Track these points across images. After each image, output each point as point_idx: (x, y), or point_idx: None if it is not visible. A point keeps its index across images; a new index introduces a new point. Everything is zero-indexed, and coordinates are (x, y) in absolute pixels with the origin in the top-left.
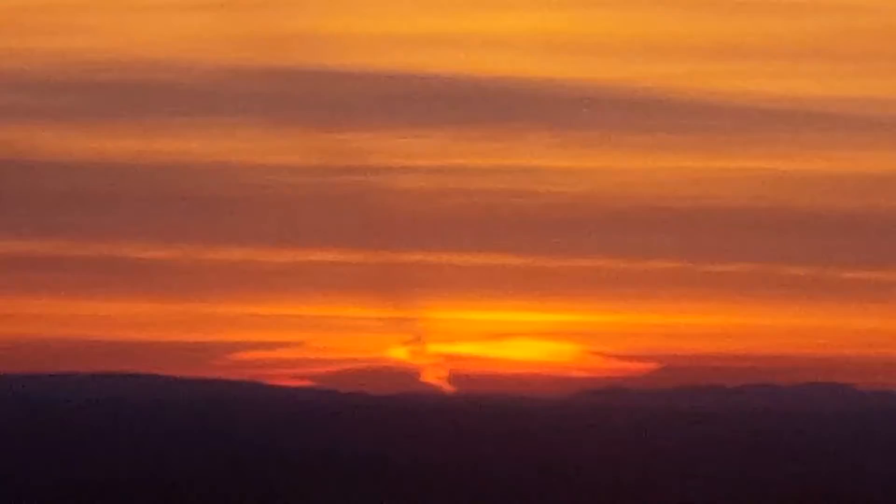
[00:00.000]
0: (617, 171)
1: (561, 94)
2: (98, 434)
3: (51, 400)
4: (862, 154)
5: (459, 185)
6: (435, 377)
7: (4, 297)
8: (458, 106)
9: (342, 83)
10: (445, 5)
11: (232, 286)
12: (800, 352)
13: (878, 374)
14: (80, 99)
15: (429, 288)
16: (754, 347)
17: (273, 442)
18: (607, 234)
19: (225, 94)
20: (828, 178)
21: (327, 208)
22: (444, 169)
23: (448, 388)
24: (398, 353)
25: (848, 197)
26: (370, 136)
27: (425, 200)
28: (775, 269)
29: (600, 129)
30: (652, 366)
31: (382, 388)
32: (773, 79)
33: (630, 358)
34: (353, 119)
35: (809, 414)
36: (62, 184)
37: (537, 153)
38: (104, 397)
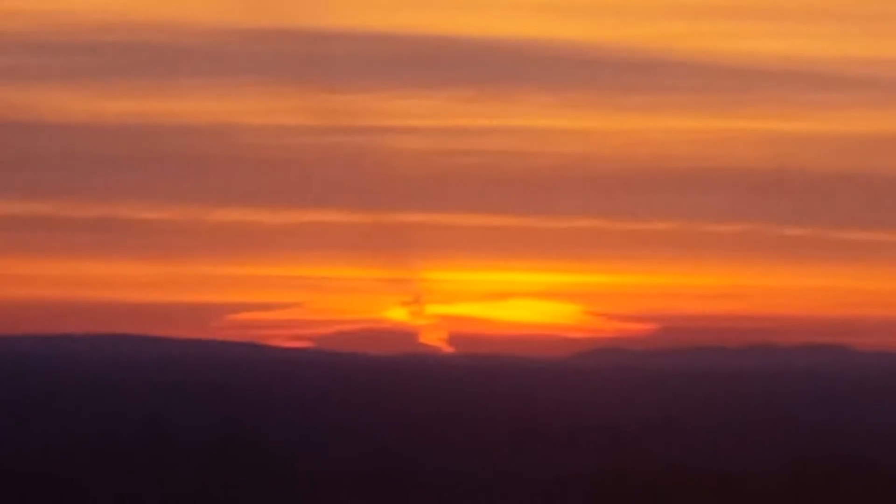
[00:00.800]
0: (616, 132)
1: (561, 54)
2: (97, 394)
3: (49, 360)
4: (862, 114)
5: (459, 146)
6: (434, 338)
7: (4, 258)
8: (457, 67)
9: (342, 44)
10: None
11: (230, 247)
12: (799, 312)
13: (877, 334)
14: (79, 60)
15: (427, 248)
16: (753, 308)
17: (271, 402)
18: (606, 194)
19: (225, 56)
20: (827, 139)
21: (326, 169)
22: (443, 129)
23: (447, 348)
24: (397, 314)
25: (848, 157)
26: (370, 97)
27: (424, 161)
28: (775, 229)
29: (599, 90)
30: (651, 326)
31: (381, 349)
32: (773, 39)
33: (629, 318)
34: (353, 80)
35: (808, 374)
36: (62, 145)
37: (536, 114)
38: (103, 358)
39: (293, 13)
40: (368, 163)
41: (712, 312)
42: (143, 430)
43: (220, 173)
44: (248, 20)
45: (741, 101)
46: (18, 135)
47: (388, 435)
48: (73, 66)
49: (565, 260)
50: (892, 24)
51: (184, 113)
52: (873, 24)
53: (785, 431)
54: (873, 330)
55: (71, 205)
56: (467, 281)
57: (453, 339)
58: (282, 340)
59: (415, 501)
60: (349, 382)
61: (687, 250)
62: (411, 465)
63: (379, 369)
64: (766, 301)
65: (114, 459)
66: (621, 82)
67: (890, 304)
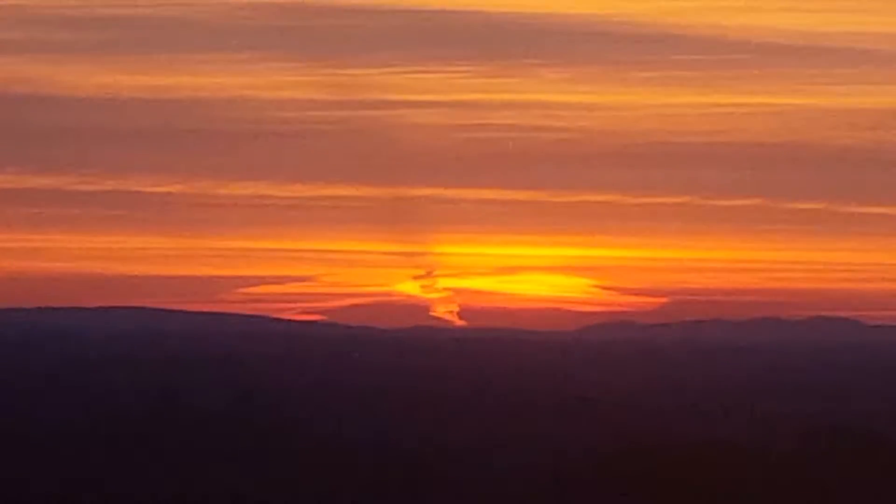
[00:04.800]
0: (627, 107)
1: (573, 29)
2: (111, 366)
3: (62, 332)
4: (872, 89)
5: (470, 121)
6: (445, 311)
7: (20, 231)
8: (470, 42)
9: (355, 19)
10: None
11: (243, 221)
12: (806, 286)
13: (885, 307)
14: (93, 35)
15: (439, 223)
16: (762, 281)
17: (283, 375)
18: (616, 169)
19: (238, 29)
20: (836, 114)
21: (339, 143)
22: (454, 104)
23: (458, 321)
24: (408, 288)
25: (857, 132)
26: (382, 72)
27: (436, 136)
28: (783, 203)
29: (610, 65)
30: (660, 300)
31: (393, 322)
32: (784, 14)
33: (639, 292)
34: (366, 54)
35: (817, 346)
36: (75, 119)
37: (548, 89)
38: (116, 330)
39: None
40: (380, 137)
41: (721, 286)
42: (156, 402)
43: (233, 148)
44: None
45: (751, 76)
46: (32, 109)
47: (399, 408)
48: (87, 40)
49: (575, 234)
50: None
51: (197, 87)
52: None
53: (794, 404)
54: (882, 303)
55: (84, 179)
56: (478, 255)
57: (464, 313)
58: (294, 313)
59: (424, 472)
60: (361, 355)
61: (696, 224)
62: (421, 437)
63: (390, 342)
64: (776, 275)
65: (128, 431)
66: (632, 57)
67: None
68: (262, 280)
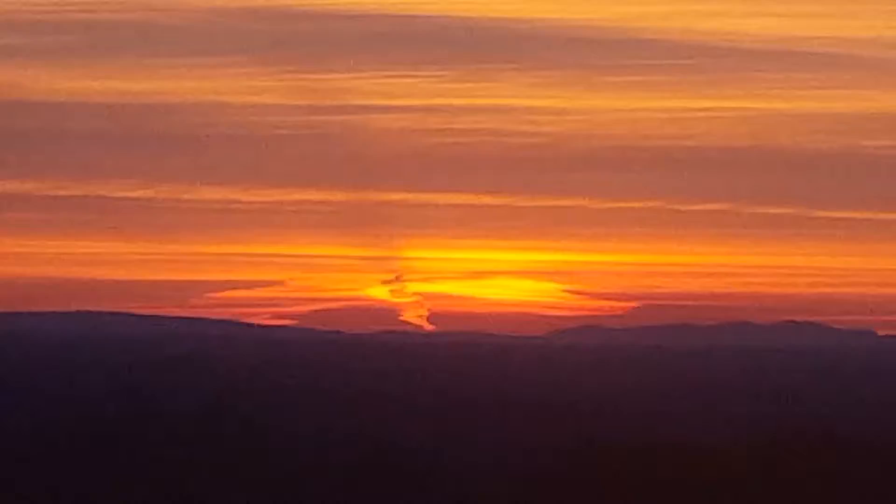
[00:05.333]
0: (595, 111)
1: (541, 34)
2: (79, 371)
3: (31, 337)
4: (840, 94)
5: (439, 125)
6: (415, 316)
7: None
8: (438, 46)
9: (325, 23)
10: None
11: (213, 225)
12: (776, 290)
13: (854, 312)
14: (63, 39)
15: (408, 227)
16: (730, 286)
17: (253, 380)
18: (585, 173)
19: (208, 35)
20: (804, 118)
21: (309, 147)
22: (423, 108)
23: (428, 326)
24: (378, 292)
25: (825, 136)
26: (351, 76)
27: (405, 140)
28: (752, 208)
29: (578, 70)
30: (629, 304)
31: (362, 327)
32: (751, 18)
33: (608, 296)
34: (334, 59)
35: (786, 351)
36: (45, 123)
37: (516, 93)
38: (83, 335)
39: None
40: (350, 142)
41: (690, 290)
42: (125, 408)
43: (202, 152)
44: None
45: (719, 80)
46: (2, 114)
47: (369, 413)
48: (57, 44)
49: (544, 238)
50: (870, 3)
51: (167, 92)
52: (851, 4)
53: (761, 408)
54: (852, 308)
55: (54, 183)
56: (447, 259)
57: (434, 317)
58: (264, 318)
59: (395, 478)
60: (330, 360)
61: (665, 229)
62: (392, 443)
63: (360, 347)
64: (744, 279)
65: (96, 437)
66: (601, 62)
67: (865, 282)
68: (231, 285)
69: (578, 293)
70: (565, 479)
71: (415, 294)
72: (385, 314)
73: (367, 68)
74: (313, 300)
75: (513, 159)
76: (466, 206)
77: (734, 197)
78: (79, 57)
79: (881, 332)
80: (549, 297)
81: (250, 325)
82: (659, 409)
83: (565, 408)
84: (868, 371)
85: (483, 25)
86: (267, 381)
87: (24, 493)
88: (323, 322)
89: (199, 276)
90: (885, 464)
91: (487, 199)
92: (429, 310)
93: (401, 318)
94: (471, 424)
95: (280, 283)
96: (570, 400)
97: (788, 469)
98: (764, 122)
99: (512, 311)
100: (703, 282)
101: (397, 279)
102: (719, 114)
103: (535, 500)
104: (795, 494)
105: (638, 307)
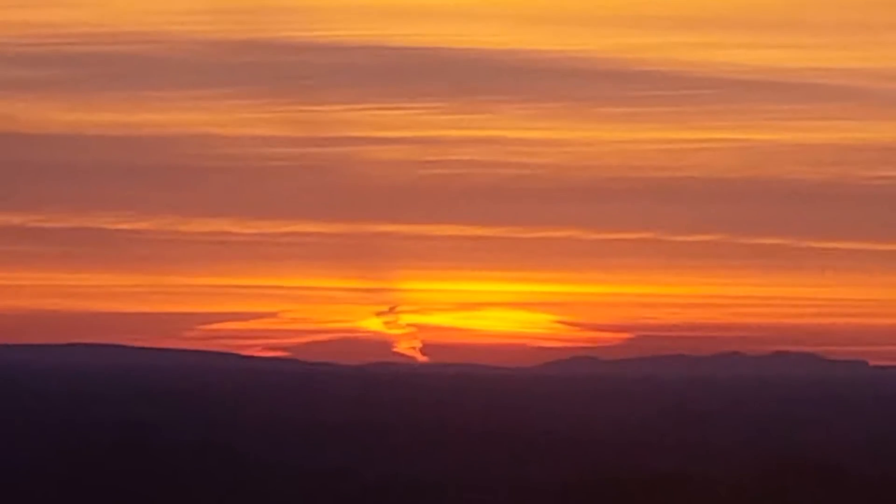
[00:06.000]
0: (588, 143)
1: (534, 66)
2: (72, 403)
3: (24, 370)
4: (832, 124)
5: (433, 157)
6: (408, 347)
7: None
8: (432, 78)
9: (318, 56)
10: None
11: (206, 258)
12: (768, 321)
13: (846, 342)
14: (58, 72)
15: (402, 259)
16: (724, 317)
17: (246, 411)
18: (578, 204)
19: (202, 67)
20: (797, 149)
21: (301, 180)
22: (417, 140)
23: (421, 358)
24: (371, 324)
25: (817, 167)
26: (345, 108)
27: (399, 172)
28: (745, 238)
29: (572, 101)
30: (623, 335)
31: (355, 359)
32: (744, 50)
33: (601, 327)
34: (329, 91)
35: (778, 382)
36: (38, 156)
37: (510, 125)
38: (78, 367)
39: (270, 26)
40: (344, 174)
41: (683, 321)
42: (119, 439)
43: (196, 184)
44: (225, 32)
45: (713, 111)
46: None
47: (362, 444)
48: (53, 77)
49: (538, 270)
50: (862, 35)
51: (161, 124)
52: (845, 36)
53: (755, 439)
54: (843, 338)
55: (48, 215)
56: (441, 291)
57: (427, 349)
58: (257, 350)
59: None
60: (324, 392)
61: (658, 260)
62: (385, 472)
63: (353, 379)
64: (737, 310)
65: (90, 468)
66: (594, 93)
67: (858, 312)
68: (225, 316)
69: (571, 324)
70: None
71: (408, 325)
72: (378, 346)
73: (362, 100)
74: (307, 332)
75: (507, 191)
76: (460, 237)
77: (727, 228)
78: (74, 89)
79: (873, 363)
80: (541, 328)
81: (244, 357)
82: (652, 440)
83: (559, 439)
84: (860, 401)
85: (476, 57)
86: (260, 412)
87: None
88: (316, 354)
89: (193, 307)
90: (877, 494)
91: (481, 231)
92: (422, 341)
93: (394, 349)
94: (464, 456)
95: (274, 314)
96: (563, 431)
97: (781, 500)
98: (757, 153)
99: (505, 342)
100: (696, 312)
101: (391, 311)
102: (713, 145)
103: None
104: None
105: (631, 338)
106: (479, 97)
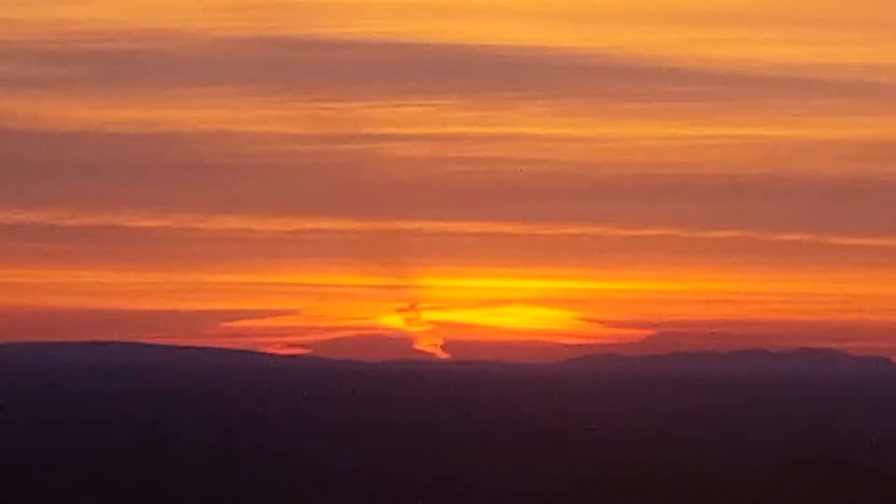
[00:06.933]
0: (610, 139)
1: (556, 62)
2: (93, 402)
3: (46, 368)
4: (854, 120)
5: (453, 153)
6: (429, 344)
7: (2, 266)
8: (453, 74)
9: (339, 52)
10: None
11: (227, 255)
12: (792, 317)
13: (870, 339)
14: (76, 69)
15: (423, 255)
16: (746, 313)
17: (267, 409)
18: (600, 201)
19: (221, 64)
20: (820, 145)
21: (323, 176)
22: (438, 137)
23: (442, 355)
24: (393, 321)
25: (840, 163)
26: (366, 105)
27: (420, 168)
28: (767, 235)
29: (594, 98)
30: (645, 332)
31: (377, 356)
32: (765, 45)
33: (623, 324)
34: (348, 88)
35: (801, 379)
36: (60, 153)
37: (532, 121)
38: (101, 365)
39: (290, 22)
40: (364, 170)
41: (705, 318)
42: (139, 438)
43: (216, 181)
44: (244, 28)
45: (734, 107)
46: (15, 143)
47: (384, 442)
48: (71, 75)
49: (559, 267)
50: (881, 30)
51: (180, 121)
52: (867, 32)
53: (777, 436)
54: (868, 335)
55: (68, 213)
56: (462, 287)
57: (448, 346)
58: (278, 347)
59: None
60: (345, 389)
61: (680, 256)
62: (407, 472)
63: (375, 376)
64: (759, 306)
65: (110, 467)
66: (616, 90)
67: (881, 308)
68: (245, 314)
69: (593, 321)
70: None
71: (429, 322)
72: (399, 343)
73: (381, 96)
74: (327, 329)
75: (527, 187)
76: (481, 234)
77: (749, 224)
78: (93, 87)
79: None
80: (563, 325)
81: (264, 355)
82: (674, 437)
83: (580, 437)
84: (882, 398)
85: (498, 53)
86: (281, 410)
87: None
88: (338, 351)
89: (213, 305)
90: None
91: (502, 228)
92: (444, 338)
93: (415, 346)
94: (486, 453)
95: (294, 312)
96: (585, 429)
97: (803, 498)
98: (778, 149)
99: (526, 339)
100: (718, 309)
101: (412, 307)
102: (735, 141)
103: None
104: None
105: (653, 335)
106: (500, 94)
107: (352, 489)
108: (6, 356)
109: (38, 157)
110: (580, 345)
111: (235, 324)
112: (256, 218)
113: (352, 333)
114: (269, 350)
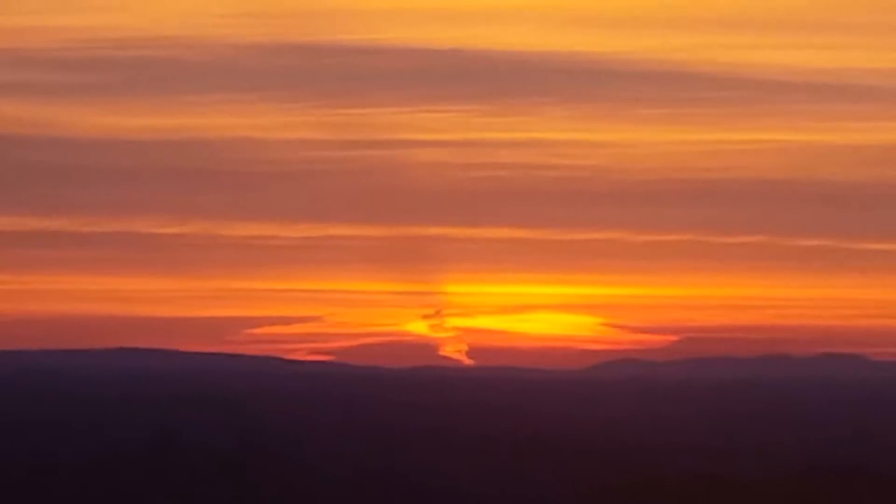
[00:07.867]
0: (632, 144)
1: (577, 68)
2: (116, 408)
3: (68, 374)
4: (874, 125)
5: (477, 160)
6: (454, 351)
7: (22, 273)
8: (475, 80)
9: (361, 58)
10: None
11: (249, 262)
12: (814, 322)
13: (893, 343)
14: (96, 76)
15: (447, 262)
16: (769, 318)
17: (291, 416)
18: (624, 206)
19: (243, 71)
20: (841, 150)
21: (346, 183)
22: (461, 143)
23: (467, 361)
24: (417, 327)
25: (862, 168)
26: (388, 111)
27: (444, 174)
28: (790, 240)
29: (616, 103)
30: (668, 337)
31: (401, 362)
32: (786, 50)
33: (647, 330)
34: (371, 94)
35: (824, 383)
36: (80, 160)
37: (554, 127)
38: (122, 372)
39: (310, 29)
40: (388, 177)
41: (729, 323)
42: (162, 444)
43: (239, 188)
44: (265, 35)
45: (754, 113)
46: (36, 150)
47: (409, 448)
48: (91, 81)
49: (583, 272)
50: None
51: (202, 128)
52: (888, 37)
53: (801, 441)
54: (889, 340)
55: (89, 220)
56: (487, 294)
57: (473, 352)
58: (302, 354)
59: None
60: (369, 396)
61: (703, 262)
62: (431, 476)
63: (399, 382)
64: (783, 311)
65: (132, 473)
66: (637, 95)
67: None
68: (269, 321)
69: (617, 327)
70: None
71: (454, 329)
72: (424, 349)
73: (405, 103)
74: (352, 335)
75: (551, 193)
76: (505, 240)
77: (772, 229)
78: (113, 94)
79: None
80: (588, 331)
81: (289, 361)
82: (699, 442)
83: (606, 442)
84: None
85: (520, 59)
86: (305, 417)
87: None
88: (362, 357)
89: (237, 312)
90: None
91: (525, 234)
92: (468, 344)
93: (440, 352)
94: (511, 459)
95: (318, 318)
96: (609, 434)
97: (826, 503)
98: (800, 154)
99: (551, 345)
100: (742, 314)
101: (436, 314)
102: (755, 146)
103: None
104: None
105: (676, 340)
106: (522, 99)
107: (375, 495)
108: (27, 363)
109: (58, 165)
110: (604, 350)
111: (259, 330)
112: (280, 224)
113: (376, 340)
114: (292, 356)
